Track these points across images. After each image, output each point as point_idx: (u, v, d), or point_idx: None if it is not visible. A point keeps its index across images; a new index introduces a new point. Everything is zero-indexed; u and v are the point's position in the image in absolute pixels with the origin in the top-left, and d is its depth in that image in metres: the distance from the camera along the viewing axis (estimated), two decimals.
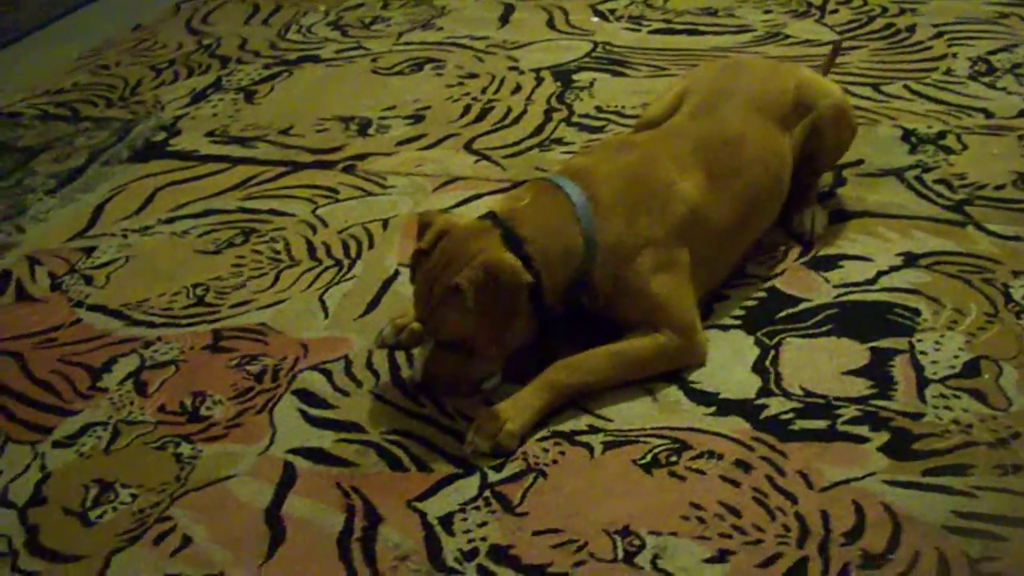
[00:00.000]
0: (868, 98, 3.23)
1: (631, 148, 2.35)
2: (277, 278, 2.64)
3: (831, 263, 2.49)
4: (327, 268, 2.66)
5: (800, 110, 2.52)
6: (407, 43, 4.02)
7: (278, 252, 2.74)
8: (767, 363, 2.21)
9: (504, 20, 4.17)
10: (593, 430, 2.08)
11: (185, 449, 2.13)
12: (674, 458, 1.99)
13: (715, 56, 3.62)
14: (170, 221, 2.94)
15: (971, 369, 2.15)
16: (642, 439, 2.05)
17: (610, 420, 2.10)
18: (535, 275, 2.10)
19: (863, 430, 2.02)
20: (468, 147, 3.18)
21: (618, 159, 2.30)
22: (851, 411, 2.07)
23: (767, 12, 3.99)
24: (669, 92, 2.69)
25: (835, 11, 3.94)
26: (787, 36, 3.76)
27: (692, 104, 2.52)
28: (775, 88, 2.53)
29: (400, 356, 2.33)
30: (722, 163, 2.33)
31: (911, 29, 3.73)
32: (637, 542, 1.83)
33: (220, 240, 2.82)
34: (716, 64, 2.75)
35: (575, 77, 3.58)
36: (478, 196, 2.87)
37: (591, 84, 3.52)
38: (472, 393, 2.19)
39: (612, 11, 4.14)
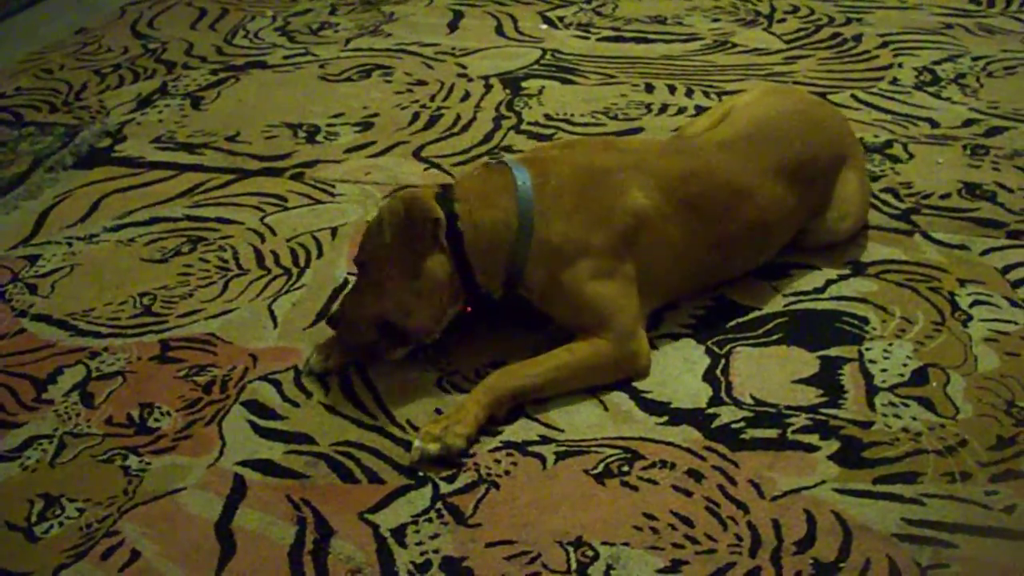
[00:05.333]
0: None
1: (609, 150, 2.35)
2: (225, 287, 2.61)
3: (780, 272, 2.50)
4: (276, 277, 2.64)
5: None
6: (355, 49, 4.00)
7: (226, 261, 2.72)
8: (718, 372, 2.22)
9: (453, 27, 4.16)
10: (545, 440, 2.08)
11: (133, 462, 2.10)
12: (626, 468, 2.00)
13: (665, 64, 3.64)
14: (116, 229, 2.90)
15: (919, 377, 2.17)
16: (594, 449, 2.05)
17: (561, 430, 2.10)
18: (457, 232, 2.18)
19: (813, 439, 2.04)
20: (417, 155, 3.17)
21: (583, 156, 2.31)
22: (801, 420, 2.08)
23: (715, 20, 4.02)
24: (715, 111, 2.70)
25: (783, 20, 3.98)
26: (735, 45, 3.79)
27: (729, 132, 2.47)
28: (817, 164, 2.48)
29: (350, 367, 2.31)
30: (707, 205, 2.31)
31: (858, 39, 3.77)
32: (590, 553, 1.83)
33: (167, 248, 2.79)
34: (773, 98, 2.65)
35: (524, 84, 3.59)
36: None
37: (540, 91, 3.52)
38: (377, 348, 2.27)
39: (561, 19, 4.15)
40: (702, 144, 2.44)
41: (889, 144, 3.03)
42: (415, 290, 2.19)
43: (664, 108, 3.34)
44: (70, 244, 2.85)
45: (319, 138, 3.32)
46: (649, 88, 3.48)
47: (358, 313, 2.25)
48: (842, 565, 1.78)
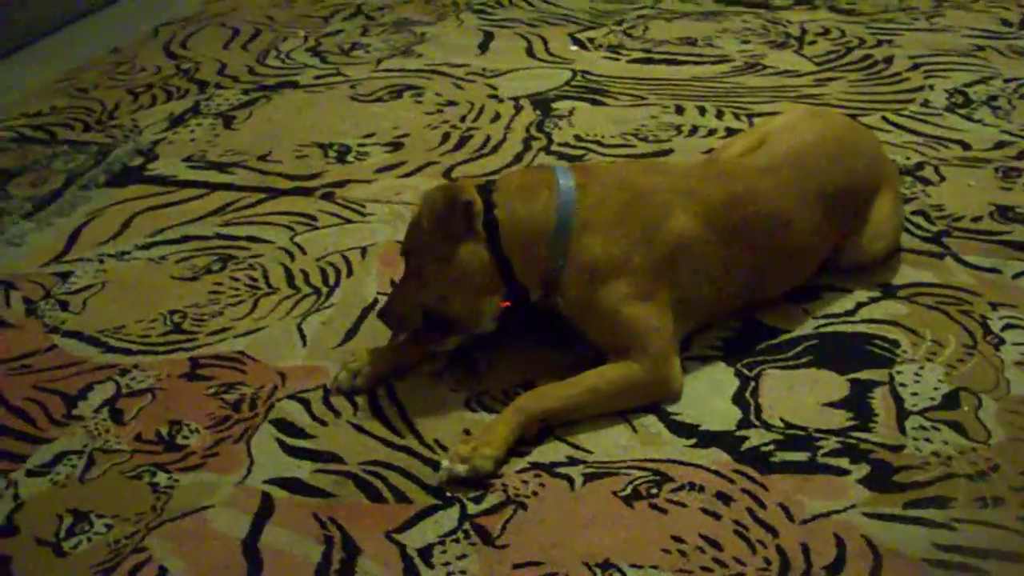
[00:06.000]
0: None
1: (653, 172, 2.36)
2: (255, 306, 2.62)
3: (810, 295, 2.49)
4: (305, 296, 2.64)
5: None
6: (386, 70, 4.02)
7: (256, 279, 2.73)
8: (747, 394, 2.21)
9: (483, 48, 4.17)
10: (573, 461, 2.07)
11: (161, 478, 2.11)
12: (655, 490, 1.99)
13: (695, 86, 3.64)
14: (147, 247, 2.92)
15: (951, 401, 2.16)
16: (623, 471, 2.04)
17: (590, 451, 2.10)
18: (493, 220, 2.19)
19: (843, 462, 2.02)
20: (447, 175, 3.18)
21: (628, 174, 2.31)
22: (831, 443, 2.07)
23: (745, 42, 4.02)
24: (752, 134, 2.69)
25: (813, 42, 3.97)
26: (765, 67, 3.79)
27: (768, 157, 2.45)
28: (854, 190, 2.48)
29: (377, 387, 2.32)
30: (748, 231, 2.31)
31: (888, 61, 3.76)
32: (618, 575, 1.82)
33: (198, 267, 2.80)
34: (810, 122, 2.63)
35: (554, 106, 3.59)
36: None
37: (570, 113, 3.53)
38: (425, 339, 2.31)
39: (591, 40, 4.16)
40: (742, 169, 2.43)
41: (920, 166, 3.02)
42: (451, 276, 2.21)
43: (694, 130, 3.34)
44: (102, 261, 2.87)
45: (350, 158, 3.34)
46: (679, 110, 3.48)
47: (403, 304, 2.28)
48: None
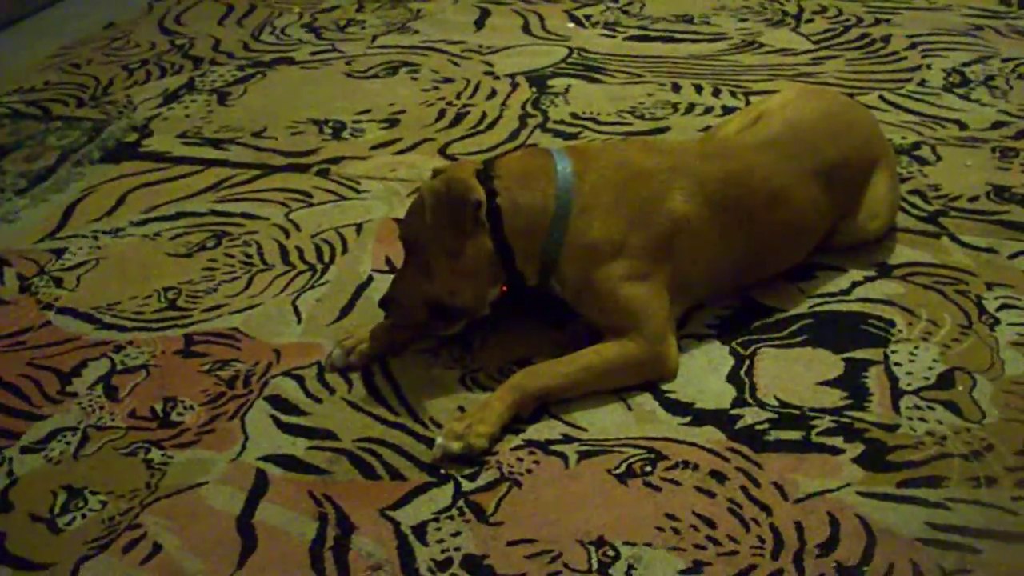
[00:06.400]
0: None
1: (650, 151, 2.34)
2: (250, 282, 2.62)
3: (806, 273, 2.49)
4: (300, 273, 2.64)
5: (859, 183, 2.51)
6: (382, 46, 4.01)
7: (250, 256, 2.72)
8: (742, 373, 2.21)
9: (480, 25, 4.16)
10: (568, 439, 2.07)
11: (156, 455, 2.11)
12: (649, 468, 1.99)
13: (692, 63, 3.63)
14: (142, 223, 2.91)
15: (945, 381, 2.15)
16: (617, 449, 2.04)
17: (585, 429, 2.10)
18: (496, 209, 2.17)
19: (838, 441, 2.02)
20: (443, 152, 3.17)
21: (625, 154, 2.30)
22: (826, 422, 2.07)
23: (743, 20, 4.01)
24: (749, 112, 2.67)
25: (810, 20, 3.96)
26: (762, 45, 3.78)
27: (765, 135, 2.44)
28: (851, 168, 2.47)
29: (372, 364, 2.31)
30: (745, 209, 2.29)
31: (886, 39, 3.75)
32: (612, 552, 1.82)
33: (192, 243, 2.80)
34: (807, 100, 2.61)
35: (550, 83, 3.58)
36: None
37: (566, 90, 3.52)
38: (430, 326, 2.30)
39: (588, 17, 4.15)
40: (739, 146, 2.42)
41: (917, 146, 3.01)
42: (459, 270, 2.19)
43: (691, 108, 3.33)
44: (96, 238, 2.86)
45: (345, 134, 3.33)
46: (676, 88, 3.47)
47: (407, 295, 2.26)
48: (865, 569, 1.77)
